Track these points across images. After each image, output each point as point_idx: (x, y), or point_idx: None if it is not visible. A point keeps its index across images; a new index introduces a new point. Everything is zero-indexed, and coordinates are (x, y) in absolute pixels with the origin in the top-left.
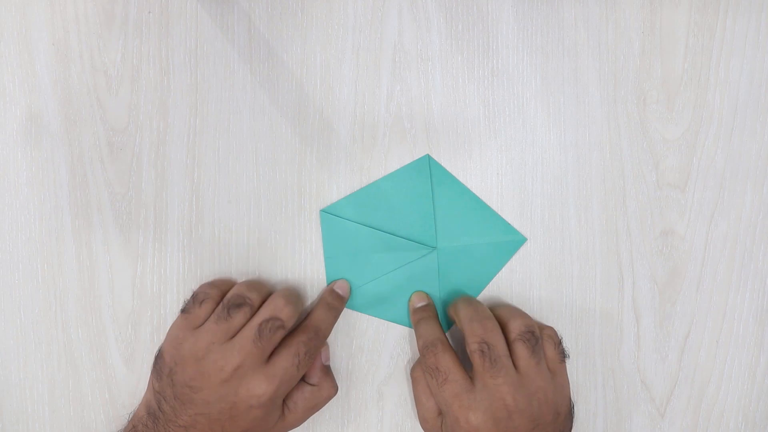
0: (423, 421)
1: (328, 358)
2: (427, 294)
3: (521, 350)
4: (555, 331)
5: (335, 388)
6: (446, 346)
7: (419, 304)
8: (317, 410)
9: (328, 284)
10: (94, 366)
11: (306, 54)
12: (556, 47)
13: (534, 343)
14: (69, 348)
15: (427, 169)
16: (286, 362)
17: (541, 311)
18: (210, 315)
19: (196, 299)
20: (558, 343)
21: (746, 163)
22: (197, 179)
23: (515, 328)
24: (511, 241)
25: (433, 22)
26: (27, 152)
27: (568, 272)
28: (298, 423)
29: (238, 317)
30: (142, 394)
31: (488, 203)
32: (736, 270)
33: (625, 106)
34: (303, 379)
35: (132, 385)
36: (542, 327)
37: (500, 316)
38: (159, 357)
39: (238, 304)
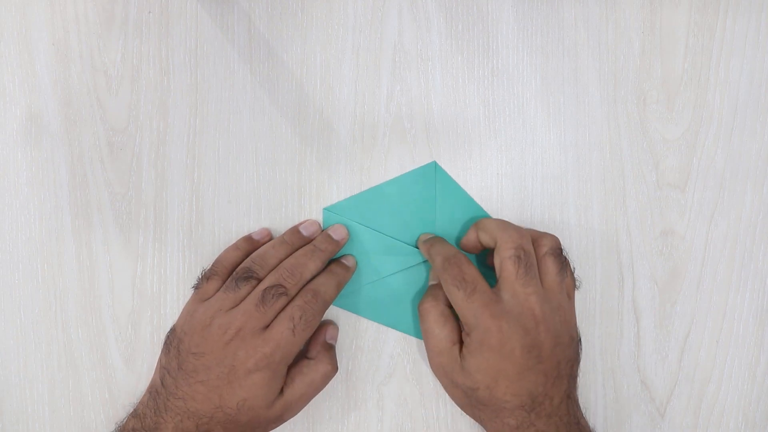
0: (437, 354)
1: (333, 338)
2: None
3: (551, 265)
4: (570, 262)
5: (334, 367)
6: (468, 259)
7: (426, 237)
8: (315, 390)
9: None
10: (94, 366)
11: (306, 54)
12: (556, 47)
13: (562, 261)
14: (69, 348)
15: (433, 176)
16: (281, 326)
17: None
18: (218, 288)
19: (204, 276)
20: (573, 270)
21: (746, 163)
22: (197, 179)
23: (547, 242)
24: None
25: (433, 22)
26: (27, 152)
27: None
28: (297, 403)
29: (246, 289)
30: (142, 394)
31: (488, 203)
32: (736, 270)
33: (625, 106)
34: (304, 355)
35: (132, 385)
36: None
37: (530, 231)
38: (171, 332)
39: (246, 277)
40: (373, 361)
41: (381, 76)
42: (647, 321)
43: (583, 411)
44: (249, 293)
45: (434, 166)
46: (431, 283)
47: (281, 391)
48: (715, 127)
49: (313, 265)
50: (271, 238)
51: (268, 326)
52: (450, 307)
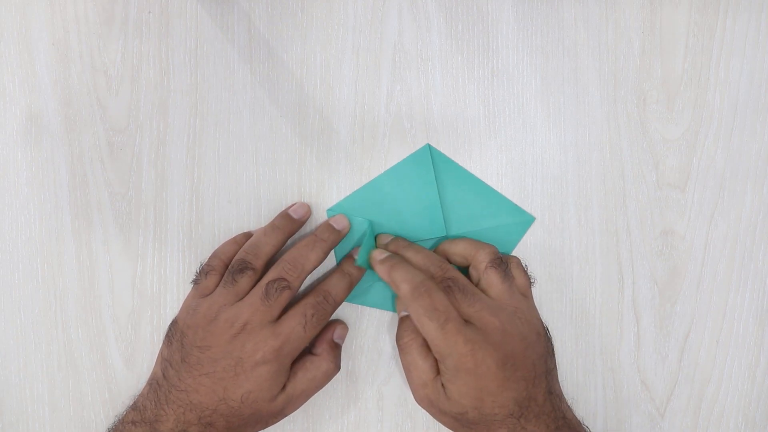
0: (422, 387)
1: (341, 337)
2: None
3: (494, 276)
4: (519, 259)
5: (336, 365)
6: (436, 285)
7: (382, 256)
8: (316, 387)
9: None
10: (94, 366)
11: (306, 54)
12: (556, 47)
13: (504, 268)
14: (69, 348)
15: (429, 158)
16: (293, 321)
17: (541, 311)
18: (217, 283)
19: (201, 271)
20: (525, 268)
21: (746, 163)
22: (197, 179)
23: (484, 257)
24: (520, 222)
25: (433, 22)
26: (27, 152)
27: (568, 272)
28: (298, 398)
29: (243, 281)
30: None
31: None
32: (736, 270)
33: (625, 106)
34: (309, 350)
35: (132, 385)
36: (508, 257)
37: (464, 249)
38: (173, 324)
39: (241, 269)
40: (373, 361)
41: (381, 76)
42: (647, 321)
43: (583, 411)
44: (248, 285)
45: (428, 149)
46: (402, 314)
47: (284, 386)
48: (715, 127)
49: (314, 256)
50: None
51: (276, 320)
52: None
